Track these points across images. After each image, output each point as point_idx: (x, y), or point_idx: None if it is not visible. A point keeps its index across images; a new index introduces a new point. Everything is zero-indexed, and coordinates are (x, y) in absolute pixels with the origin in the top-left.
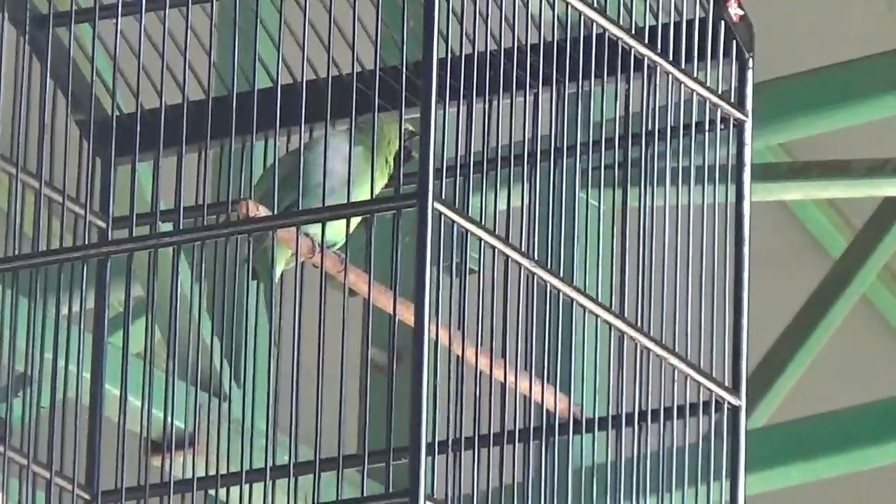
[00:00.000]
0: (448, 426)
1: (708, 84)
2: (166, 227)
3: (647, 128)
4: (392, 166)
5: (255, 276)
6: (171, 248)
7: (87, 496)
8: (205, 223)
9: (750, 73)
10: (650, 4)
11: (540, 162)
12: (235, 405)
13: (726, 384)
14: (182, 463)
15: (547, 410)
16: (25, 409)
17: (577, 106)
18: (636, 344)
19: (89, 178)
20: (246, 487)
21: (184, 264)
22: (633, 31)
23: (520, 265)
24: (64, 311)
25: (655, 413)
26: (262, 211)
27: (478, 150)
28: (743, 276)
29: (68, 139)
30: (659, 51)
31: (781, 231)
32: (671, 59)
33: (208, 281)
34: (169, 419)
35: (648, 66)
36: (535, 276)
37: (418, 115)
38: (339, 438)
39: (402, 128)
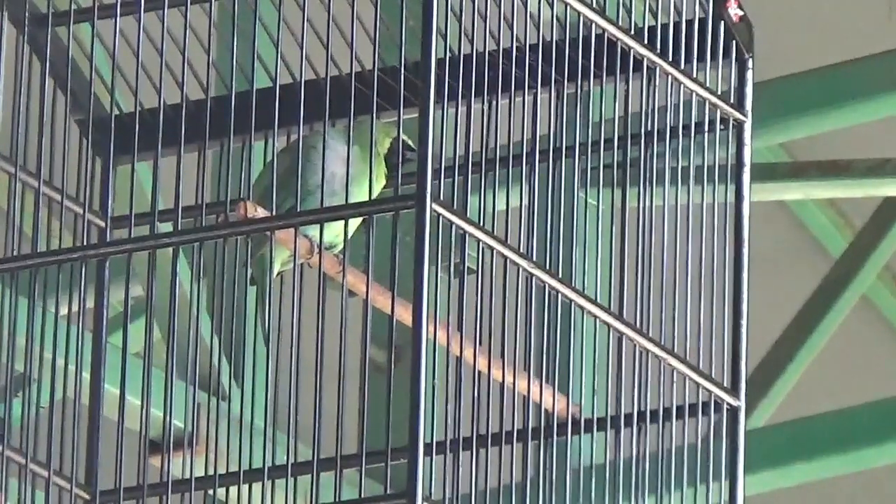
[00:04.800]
0: (447, 426)
1: (707, 84)
2: (165, 226)
3: (646, 128)
4: (386, 164)
5: (253, 282)
6: (170, 248)
7: (86, 496)
8: (204, 223)
9: (750, 74)
10: (650, 5)
11: (540, 162)
12: (235, 404)
13: (726, 385)
14: (181, 462)
15: (546, 411)
16: (25, 409)
17: (577, 106)
18: (635, 344)
19: (89, 178)
20: (245, 487)
21: (183, 264)
22: (633, 32)
23: (519, 266)
24: (63, 311)
25: (655, 413)
26: (261, 212)
27: (477, 150)
28: (743, 276)
29: (68, 139)
30: (658, 51)
31: (781, 231)
32: (671, 59)
33: (208, 281)
34: (168, 419)
35: (648, 66)
36: (534, 277)
37: (416, 115)
38: (339, 438)
39: (400, 133)
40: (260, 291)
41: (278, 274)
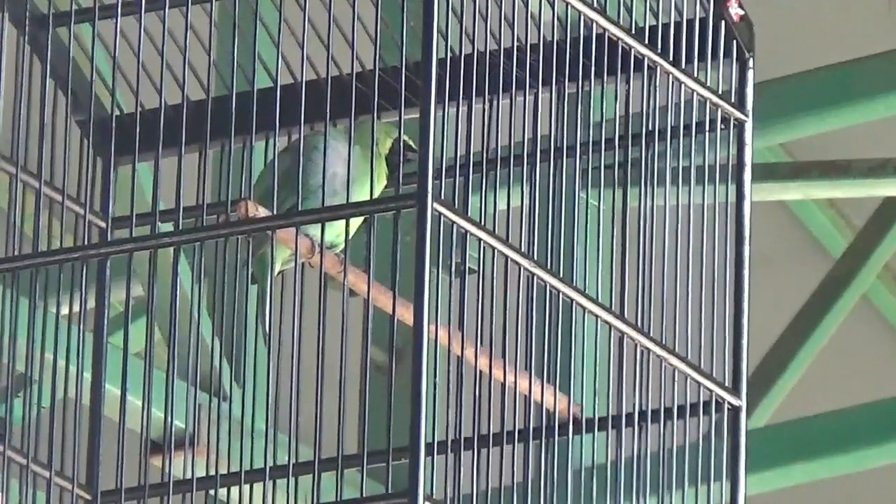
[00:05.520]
0: (448, 426)
1: (708, 84)
2: (166, 227)
3: (647, 128)
4: (387, 164)
5: (254, 280)
6: (171, 248)
7: (87, 496)
8: (205, 223)
9: (750, 74)
10: (650, 4)
11: (540, 162)
12: (235, 405)
13: (726, 384)
14: (182, 463)
15: (547, 410)
16: (25, 409)
17: (577, 106)
18: (636, 344)
19: (89, 178)
20: (246, 487)
21: (184, 264)
22: (633, 31)
23: (520, 265)
24: (64, 311)
25: (655, 413)
26: (262, 211)
27: (478, 150)
28: (743, 276)
29: (68, 139)
30: (659, 51)
31: (781, 231)
32: (671, 59)
33: (208, 281)
34: (169, 419)
35: (648, 66)
36: (535, 277)
37: (417, 115)
38: (339, 438)
39: (401, 133)
40: (261, 291)
41: (279, 272)
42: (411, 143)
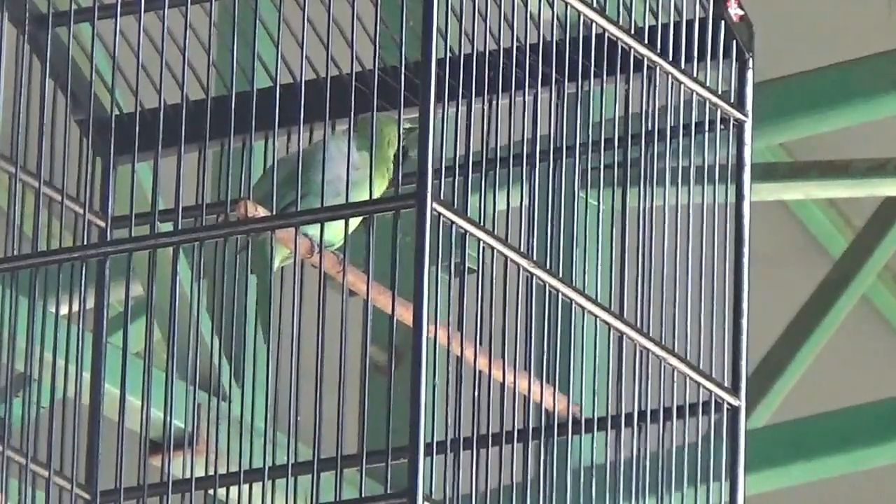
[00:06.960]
0: (447, 426)
1: (708, 84)
2: (166, 226)
3: (647, 128)
4: (392, 167)
5: (253, 270)
6: (170, 248)
7: (86, 496)
8: (204, 223)
9: (750, 74)
10: (650, 4)
11: (540, 162)
12: (235, 405)
13: (726, 384)
14: (181, 463)
15: (546, 410)
16: (25, 409)
17: (577, 106)
18: (636, 344)
19: (89, 178)
20: (245, 487)
21: (183, 264)
22: (633, 31)
23: (519, 265)
24: (63, 310)
25: (655, 413)
26: (261, 211)
27: (477, 150)
28: (743, 276)
29: (68, 139)
30: (659, 51)
31: (781, 231)
32: (671, 59)
33: (208, 281)
34: (168, 419)
35: (648, 66)
36: (535, 277)
37: (417, 114)
38: (339, 438)
39: (401, 126)
40: (260, 285)
41: (278, 268)
42: (410, 123)
